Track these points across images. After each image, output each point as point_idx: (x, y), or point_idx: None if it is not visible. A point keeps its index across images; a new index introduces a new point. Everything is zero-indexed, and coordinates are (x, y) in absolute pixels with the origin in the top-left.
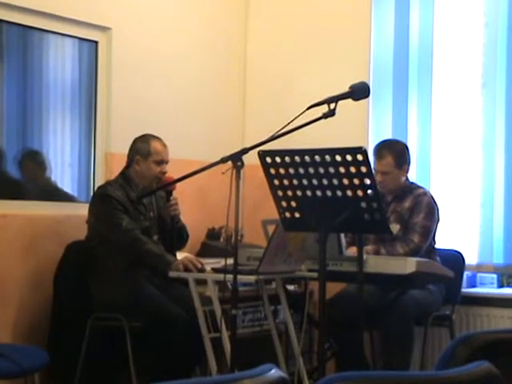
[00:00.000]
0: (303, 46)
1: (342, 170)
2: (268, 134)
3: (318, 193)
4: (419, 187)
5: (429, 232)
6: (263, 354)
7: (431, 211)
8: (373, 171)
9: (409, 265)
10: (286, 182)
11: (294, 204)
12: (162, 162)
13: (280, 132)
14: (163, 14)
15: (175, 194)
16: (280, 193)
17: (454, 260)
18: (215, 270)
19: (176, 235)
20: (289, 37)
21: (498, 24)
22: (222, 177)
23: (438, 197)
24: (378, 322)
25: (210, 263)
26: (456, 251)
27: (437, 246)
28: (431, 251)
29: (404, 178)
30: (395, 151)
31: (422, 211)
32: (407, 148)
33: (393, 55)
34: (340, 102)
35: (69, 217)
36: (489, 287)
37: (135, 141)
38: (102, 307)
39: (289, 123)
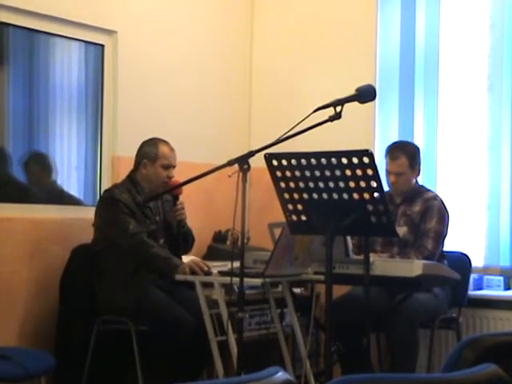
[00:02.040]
0: (309, 48)
1: (348, 172)
2: (274, 137)
3: (325, 195)
4: (428, 190)
5: (442, 238)
6: (270, 357)
7: (443, 216)
8: (380, 172)
9: (415, 267)
10: (292, 184)
11: (300, 207)
12: (170, 166)
13: (286, 135)
14: (169, 18)
15: (181, 198)
16: (286, 196)
17: (461, 262)
18: (222, 273)
19: (182, 239)
20: (295, 40)
21: (503, 26)
22: (228, 180)
23: (444, 199)
24: (384, 325)
25: (216, 266)
26: (462, 254)
27: (444, 248)
28: (441, 255)
29: (414, 181)
30: (409, 152)
31: (435, 217)
32: (419, 150)
33: (399, 57)
34: (346, 105)
35: (75, 220)
36: (495, 290)
37: (143, 144)
38: (108, 310)
39: (295, 126)
